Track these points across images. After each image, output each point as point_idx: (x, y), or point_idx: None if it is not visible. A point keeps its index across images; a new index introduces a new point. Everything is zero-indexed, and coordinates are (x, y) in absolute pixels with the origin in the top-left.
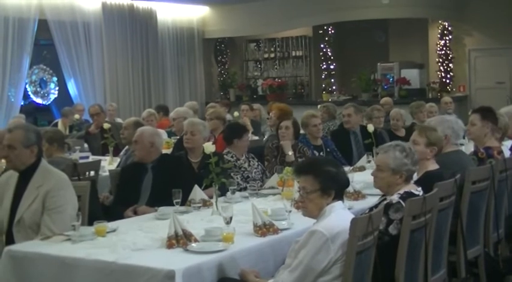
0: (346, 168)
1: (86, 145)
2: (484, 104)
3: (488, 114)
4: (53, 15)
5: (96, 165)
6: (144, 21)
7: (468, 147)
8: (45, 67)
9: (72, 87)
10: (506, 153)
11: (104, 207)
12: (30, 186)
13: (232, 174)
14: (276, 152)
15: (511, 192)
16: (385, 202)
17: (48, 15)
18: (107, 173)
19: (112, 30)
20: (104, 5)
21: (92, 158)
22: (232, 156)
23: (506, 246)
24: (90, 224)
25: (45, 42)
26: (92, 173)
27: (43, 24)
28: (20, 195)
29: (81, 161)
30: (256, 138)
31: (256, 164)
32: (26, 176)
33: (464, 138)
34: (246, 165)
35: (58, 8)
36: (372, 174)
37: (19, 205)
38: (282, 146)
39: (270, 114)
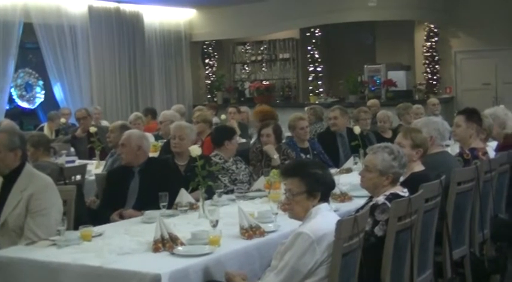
0: (333, 171)
1: (72, 149)
2: (470, 106)
3: (473, 115)
4: (39, 18)
5: (82, 169)
6: (131, 24)
7: (454, 149)
8: (30, 71)
9: (58, 91)
10: (491, 154)
11: (91, 211)
12: (14, 190)
13: (220, 176)
14: (260, 156)
15: (496, 193)
16: (371, 203)
17: (34, 18)
18: (94, 177)
19: (98, 33)
20: (90, 8)
21: (78, 162)
22: (220, 158)
23: (491, 246)
24: (76, 228)
25: (31, 46)
26: (78, 177)
27: (28, 27)
28: (4, 198)
29: (67, 165)
30: (244, 140)
31: (244, 166)
32: (10, 179)
33: (450, 139)
34: (233, 167)
35: (44, 10)
36: (360, 173)
37: (3, 209)
38: (266, 150)
39: (254, 118)
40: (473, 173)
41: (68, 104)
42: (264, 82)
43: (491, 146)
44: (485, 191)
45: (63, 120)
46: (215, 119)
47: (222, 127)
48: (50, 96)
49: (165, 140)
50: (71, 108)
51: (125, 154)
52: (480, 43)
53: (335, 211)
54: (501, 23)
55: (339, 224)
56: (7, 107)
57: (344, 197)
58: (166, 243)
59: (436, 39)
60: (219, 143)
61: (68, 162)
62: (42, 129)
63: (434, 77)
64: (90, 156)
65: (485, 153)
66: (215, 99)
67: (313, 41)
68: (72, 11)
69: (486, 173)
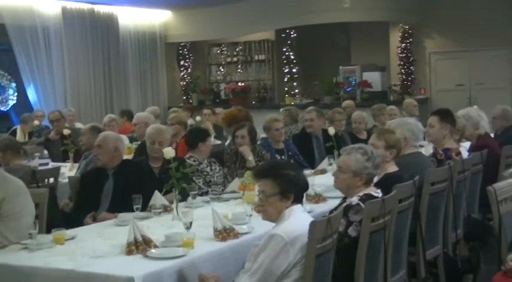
0: (308, 172)
1: (45, 152)
2: (444, 106)
3: (446, 116)
4: (11, 19)
5: (55, 172)
6: (105, 25)
7: (427, 149)
8: (3, 72)
9: (31, 93)
10: (464, 155)
11: (64, 215)
12: None
13: (194, 178)
14: (235, 157)
15: (469, 193)
16: (344, 204)
17: (6, 19)
18: (67, 180)
19: (72, 34)
20: (64, 9)
21: (51, 164)
22: (194, 160)
23: (464, 246)
24: (49, 231)
25: (3, 47)
26: (52, 179)
27: (0, 28)
28: None
29: (40, 167)
30: (219, 142)
31: (218, 168)
32: None
33: (424, 140)
34: (208, 169)
35: (16, 11)
36: (333, 174)
37: None
38: (241, 152)
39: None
40: (446, 173)
41: (41, 106)
42: (239, 84)
43: (465, 147)
44: (458, 191)
45: (36, 122)
46: (190, 121)
47: (195, 129)
48: (23, 98)
49: (139, 142)
50: (45, 110)
51: (101, 155)
52: (454, 44)
53: (309, 212)
54: (474, 24)
55: (312, 225)
56: None
57: (318, 198)
58: (139, 245)
59: (410, 40)
60: (193, 145)
61: (41, 164)
62: (15, 131)
63: (409, 78)
64: (64, 158)
65: (459, 153)
66: (190, 101)
67: (289, 42)
68: (45, 12)
69: (459, 173)
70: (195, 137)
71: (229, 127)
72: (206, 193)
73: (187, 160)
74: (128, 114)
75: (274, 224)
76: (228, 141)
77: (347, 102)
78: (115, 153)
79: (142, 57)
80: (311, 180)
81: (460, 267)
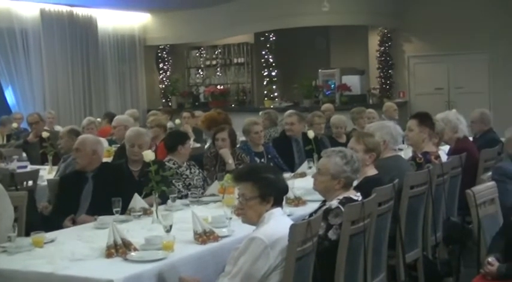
0: (287, 175)
1: (24, 154)
2: (423, 110)
3: (425, 119)
4: None
5: (34, 175)
6: (84, 28)
7: (407, 153)
8: None
9: (9, 95)
10: (443, 158)
11: (43, 217)
12: None
13: (173, 181)
14: (214, 160)
15: (448, 196)
16: (324, 207)
17: None
18: (46, 183)
19: (51, 36)
20: (43, 11)
21: (30, 167)
22: (174, 164)
23: (444, 249)
24: (28, 234)
25: None
26: (30, 182)
27: None
28: None
29: (19, 170)
30: (198, 145)
31: (198, 171)
32: None
33: (403, 143)
34: (187, 172)
35: None
36: (313, 176)
37: None
38: (221, 155)
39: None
40: (425, 176)
41: (19, 109)
42: (218, 87)
43: (444, 150)
44: (437, 195)
45: (14, 125)
46: (170, 124)
47: (175, 132)
48: (1, 100)
49: (118, 145)
50: (23, 112)
51: (80, 159)
52: (433, 48)
53: (289, 215)
54: (452, 28)
55: (293, 228)
56: None
57: (298, 201)
58: (119, 248)
59: (389, 44)
60: (173, 148)
61: (19, 167)
62: None
63: (388, 82)
64: (43, 161)
65: (438, 157)
66: (170, 104)
67: (268, 45)
68: (23, 15)
69: (438, 177)
70: (174, 140)
71: (209, 130)
72: (186, 196)
73: (166, 163)
74: (111, 117)
75: (254, 227)
76: (207, 144)
77: (326, 106)
78: (93, 156)
79: (121, 60)
80: (291, 183)
81: (440, 270)
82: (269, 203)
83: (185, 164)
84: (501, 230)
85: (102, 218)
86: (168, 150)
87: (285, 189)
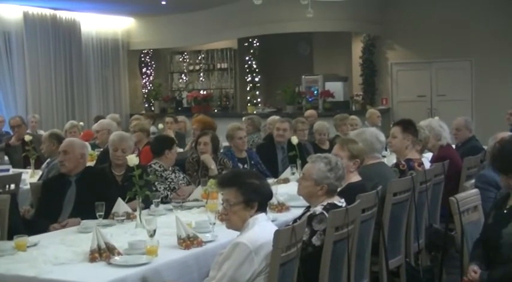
0: (270, 181)
1: (6, 158)
2: (405, 117)
3: (408, 126)
4: None
5: (16, 178)
6: (68, 31)
7: (390, 159)
8: None
9: None
10: (427, 165)
11: (25, 221)
12: None
13: (156, 183)
14: (196, 166)
15: (431, 203)
16: (308, 213)
17: None
18: (28, 186)
19: (34, 40)
20: (26, 14)
21: (12, 170)
22: (160, 166)
23: (426, 256)
24: (11, 238)
25: None
26: (13, 186)
27: None
28: None
29: (0, 174)
30: (181, 150)
31: (182, 176)
32: None
33: (386, 150)
34: (172, 176)
35: None
36: (297, 181)
37: None
38: (204, 160)
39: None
40: (409, 183)
41: (1, 112)
42: (201, 92)
43: (427, 157)
44: (420, 202)
45: None
46: (152, 129)
47: (162, 137)
48: None
49: (101, 149)
50: (5, 116)
51: (67, 162)
52: (415, 55)
53: (273, 221)
54: (436, 36)
55: (277, 233)
56: None
57: (282, 207)
58: (103, 253)
59: (372, 50)
60: (159, 152)
61: (1, 170)
62: None
63: (371, 88)
64: (25, 164)
65: (421, 164)
66: (152, 109)
67: (251, 51)
68: (6, 17)
69: (421, 184)
70: (161, 145)
71: (200, 131)
72: (166, 197)
73: (152, 165)
74: (99, 120)
75: (238, 233)
76: (186, 147)
77: (309, 112)
78: (81, 160)
79: (104, 64)
80: (274, 189)
81: (422, 277)
82: (253, 209)
83: (170, 168)
84: (480, 235)
85: (86, 222)
86: (155, 154)
87: (269, 195)
